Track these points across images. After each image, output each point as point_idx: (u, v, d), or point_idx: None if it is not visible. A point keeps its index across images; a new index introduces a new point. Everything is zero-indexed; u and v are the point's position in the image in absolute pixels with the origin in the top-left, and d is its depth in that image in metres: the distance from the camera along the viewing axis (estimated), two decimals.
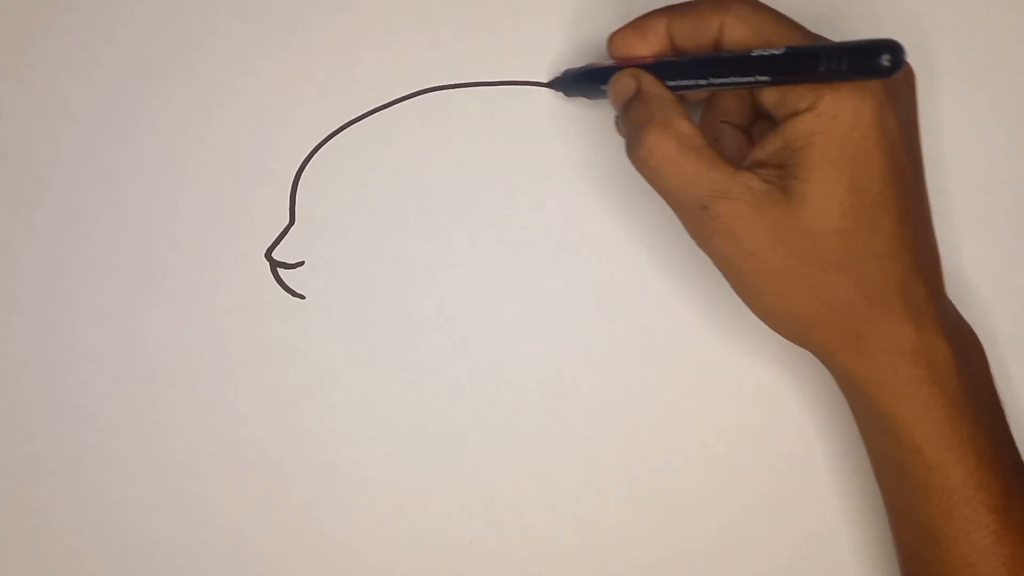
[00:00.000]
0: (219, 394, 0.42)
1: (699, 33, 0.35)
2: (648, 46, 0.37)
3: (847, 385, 0.37)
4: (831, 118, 0.33)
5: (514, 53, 0.42)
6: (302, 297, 0.42)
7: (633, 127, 0.35)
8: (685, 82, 0.36)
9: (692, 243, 0.42)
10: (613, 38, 0.37)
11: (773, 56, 0.33)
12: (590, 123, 0.42)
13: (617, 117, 0.39)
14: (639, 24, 0.37)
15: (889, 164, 0.33)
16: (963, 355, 0.36)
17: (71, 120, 0.42)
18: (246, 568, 0.42)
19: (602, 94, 0.38)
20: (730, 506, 0.42)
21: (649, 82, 0.36)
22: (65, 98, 0.42)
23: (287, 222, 0.42)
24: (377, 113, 0.42)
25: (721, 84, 0.35)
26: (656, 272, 0.42)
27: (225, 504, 0.42)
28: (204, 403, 0.42)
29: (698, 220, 0.35)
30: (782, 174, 0.34)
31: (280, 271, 0.42)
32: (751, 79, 0.34)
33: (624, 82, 0.36)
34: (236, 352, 0.42)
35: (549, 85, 0.41)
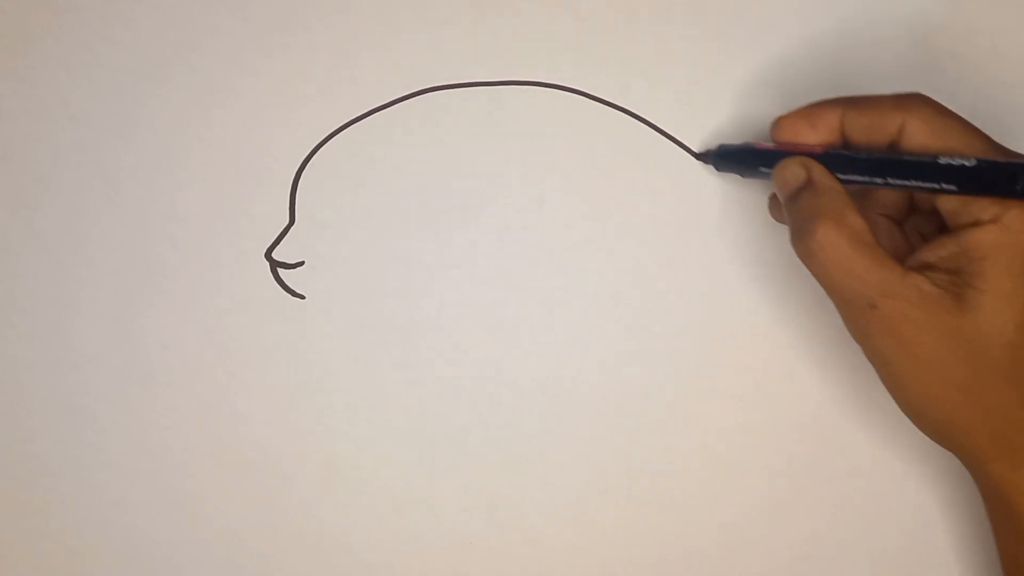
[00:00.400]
0: (219, 394, 0.42)
1: (876, 130, 0.35)
2: (817, 135, 0.36)
3: (992, 493, 0.36)
4: (1017, 232, 0.33)
5: (514, 53, 0.42)
6: (302, 297, 0.42)
7: (802, 218, 0.35)
8: (859, 178, 0.35)
9: (692, 243, 0.42)
10: (780, 123, 0.37)
11: (964, 167, 0.33)
12: (600, 127, 0.42)
13: (773, 197, 0.39)
14: (811, 113, 0.36)
15: None
16: None
17: (71, 120, 0.42)
18: (246, 568, 0.42)
19: (759, 174, 0.38)
20: (730, 506, 0.42)
21: (820, 173, 0.36)
22: (65, 98, 0.42)
23: (287, 222, 0.42)
24: (377, 113, 0.42)
25: (899, 186, 0.34)
26: (656, 272, 0.42)
27: (225, 504, 0.42)
28: (204, 403, 0.42)
29: (863, 317, 0.34)
30: (955, 280, 0.33)
31: (280, 271, 0.42)
32: (935, 185, 0.34)
33: (794, 171, 0.36)
34: (236, 352, 0.42)
35: (699, 157, 0.41)
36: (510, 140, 0.42)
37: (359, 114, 0.42)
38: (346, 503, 0.42)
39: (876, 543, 0.42)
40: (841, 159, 0.36)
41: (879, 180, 0.35)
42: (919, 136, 0.34)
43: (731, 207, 0.42)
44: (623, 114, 0.42)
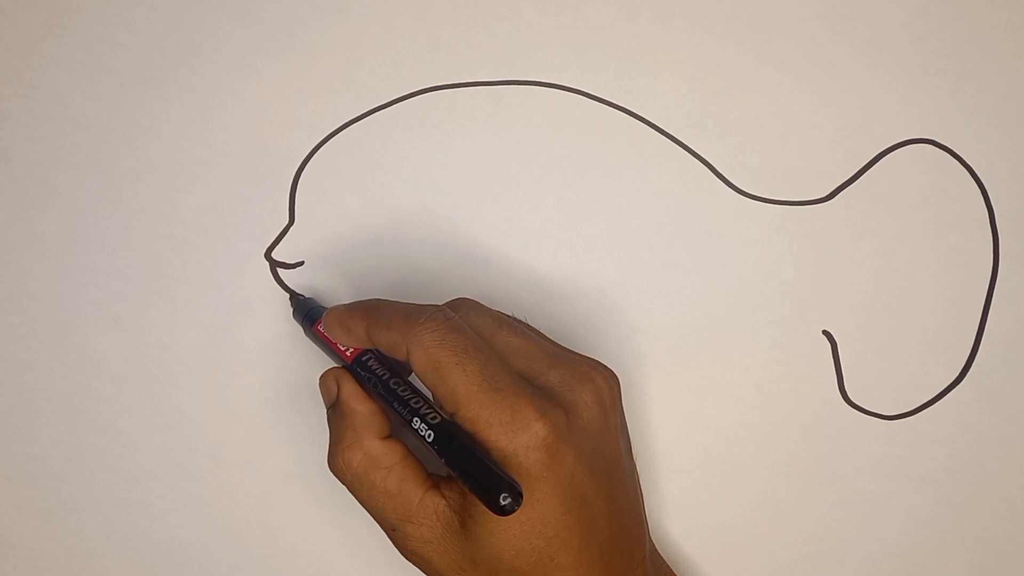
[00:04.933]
0: (219, 394, 0.42)
1: (392, 350, 0.35)
2: (351, 341, 0.36)
3: None
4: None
5: (514, 53, 0.42)
6: (302, 297, 0.42)
7: (332, 438, 0.36)
8: (389, 407, 0.35)
9: (692, 243, 0.42)
10: (325, 319, 0.37)
11: (430, 425, 0.33)
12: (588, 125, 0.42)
13: None
14: (343, 317, 0.36)
15: (564, 504, 0.33)
16: None
17: (72, 122, 0.42)
18: (247, 568, 0.42)
19: (318, 343, 0.38)
20: (730, 506, 0.42)
21: (348, 392, 0.36)
22: (66, 100, 0.42)
23: (287, 222, 0.42)
24: (377, 113, 0.42)
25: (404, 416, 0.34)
26: (656, 272, 0.42)
27: (225, 504, 0.42)
28: (204, 403, 0.42)
29: (389, 535, 0.36)
30: (463, 503, 0.34)
31: (280, 271, 0.42)
32: (422, 432, 0.33)
33: (327, 384, 0.36)
34: (236, 352, 0.42)
35: (291, 295, 0.41)
36: (510, 140, 0.42)
37: (359, 114, 0.42)
38: (346, 503, 0.42)
39: (876, 544, 0.42)
40: (367, 370, 0.36)
41: (392, 403, 0.35)
42: (419, 365, 0.34)
43: (731, 207, 0.42)
44: (623, 114, 0.42)
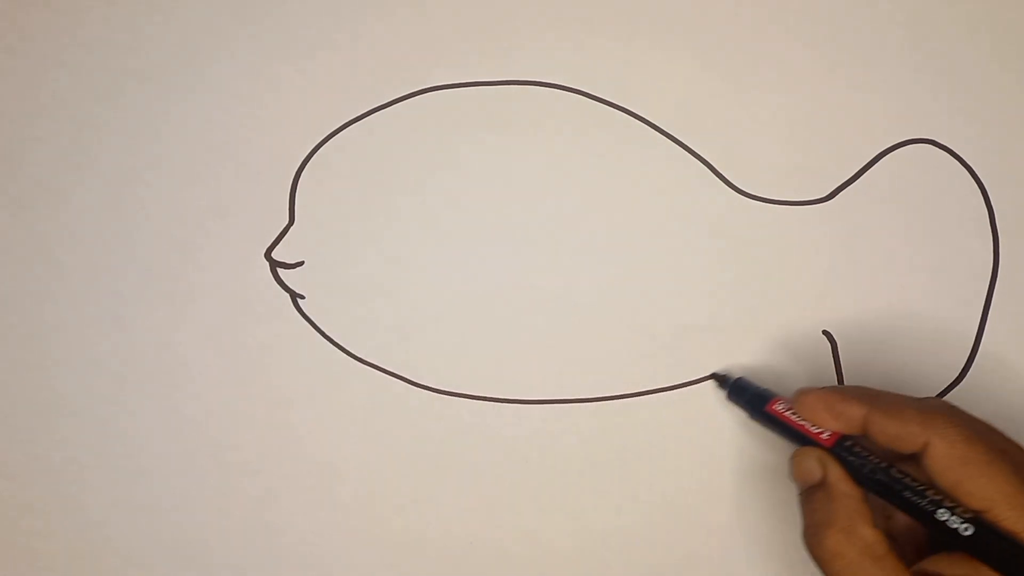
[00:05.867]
0: (219, 394, 0.42)
1: (899, 440, 0.34)
2: (837, 425, 0.36)
3: None
4: None
5: (514, 53, 0.42)
6: (302, 297, 0.42)
7: (813, 519, 0.35)
8: (878, 495, 0.35)
9: (692, 243, 0.42)
10: (803, 401, 0.36)
11: (958, 533, 0.33)
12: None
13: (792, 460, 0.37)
14: (835, 403, 0.36)
15: None
16: None
17: (72, 122, 0.42)
18: (246, 569, 0.42)
19: (767, 422, 0.38)
20: (730, 506, 0.42)
21: (836, 476, 0.35)
22: (67, 100, 0.42)
23: (287, 222, 0.42)
24: (377, 113, 0.42)
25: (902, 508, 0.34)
26: (657, 272, 0.42)
27: (225, 504, 0.42)
28: (204, 403, 0.42)
29: None
30: None
31: (280, 271, 0.42)
32: (953, 525, 0.33)
33: (810, 465, 0.36)
34: (236, 352, 0.42)
35: (716, 379, 0.41)
36: (510, 140, 0.42)
37: (359, 114, 0.42)
38: (346, 503, 0.42)
39: None
40: (855, 460, 0.35)
41: (883, 498, 0.34)
42: (941, 460, 0.33)
43: (732, 207, 0.42)
44: (623, 114, 0.42)
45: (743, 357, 0.42)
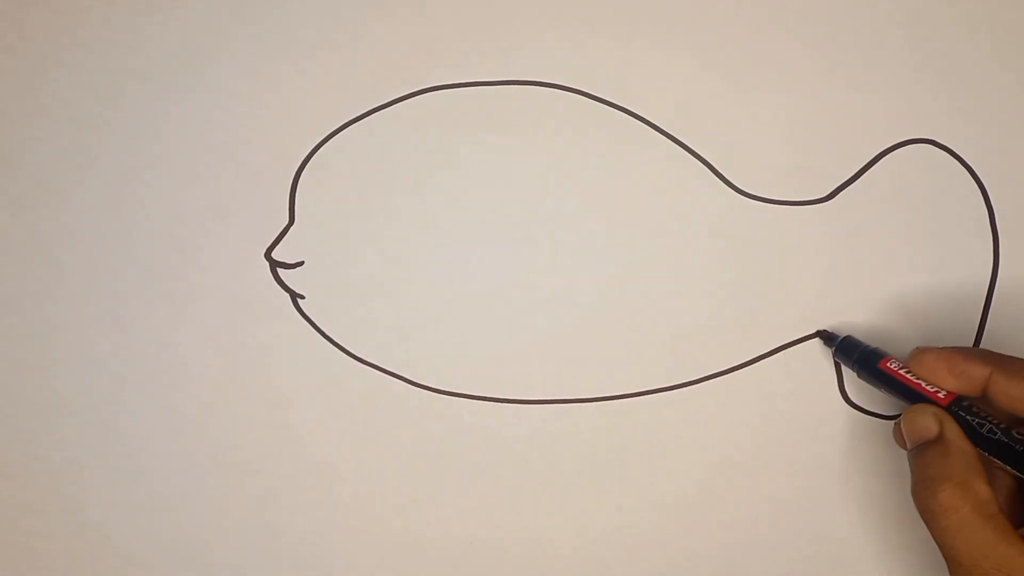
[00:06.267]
0: (219, 394, 0.42)
1: (1021, 404, 0.34)
2: (955, 384, 0.36)
3: None
4: None
5: (514, 53, 0.42)
6: (302, 297, 0.42)
7: (927, 474, 0.35)
8: (994, 456, 0.35)
9: (692, 243, 0.42)
10: (922, 359, 0.36)
11: None
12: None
13: (898, 426, 0.38)
14: (957, 361, 0.36)
15: None
16: None
17: (72, 122, 0.42)
18: (246, 569, 0.42)
19: (877, 385, 0.38)
20: (731, 507, 0.42)
21: (954, 433, 0.35)
22: (67, 100, 0.42)
23: (287, 222, 0.42)
24: (377, 113, 0.42)
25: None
26: (657, 272, 0.42)
27: (225, 504, 0.42)
28: (204, 403, 0.42)
29: None
30: None
31: (280, 271, 0.42)
32: None
33: (926, 422, 0.35)
34: (236, 352, 0.42)
35: (821, 335, 0.41)
36: (510, 140, 0.42)
37: (359, 114, 0.42)
38: (346, 503, 0.42)
39: (879, 544, 0.42)
40: (974, 419, 0.35)
41: (999, 459, 0.34)
42: None
43: (732, 207, 0.42)
44: (623, 114, 0.42)
45: (743, 357, 0.42)
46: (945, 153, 0.42)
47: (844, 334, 0.40)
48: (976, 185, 0.42)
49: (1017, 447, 0.34)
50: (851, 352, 0.39)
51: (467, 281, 0.42)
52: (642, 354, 0.42)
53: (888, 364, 0.38)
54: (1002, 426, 0.35)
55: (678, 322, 0.42)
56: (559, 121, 0.42)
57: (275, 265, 0.42)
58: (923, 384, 0.37)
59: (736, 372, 0.42)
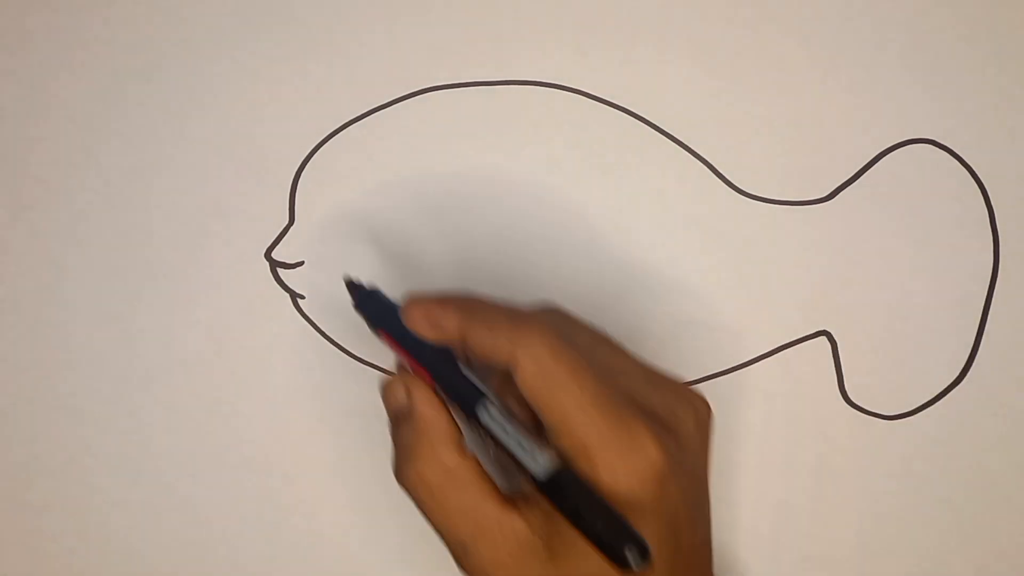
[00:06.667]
0: (219, 394, 0.42)
1: (491, 354, 0.32)
2: (436, 335, 0.33)
3: None
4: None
5: (514, 53, 0.42)
6: (302, 297, 0.42)
7: (399, 446, 0.33)
8: (458, 404, 0.32)
9: (692, 243, 0.42)
10: (408, 311, 0.33)
11: (535, 476, 0.30)
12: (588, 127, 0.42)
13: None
14: (430, 309, 0.33)
15: (663, 540, 0.31)
16: None
17: (71, 121, 0.42)
18: (246, 569, 0.42)
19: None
20: (730, 506, 0.42)
21: (421, 398, 0.33)
22: (65, 99, 0.42)
23: (287, 222, 0.42)
24: (377, 113, 0.42)
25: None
26: (656, 272, 0.42)
27: (225, 505, 0.42)
28: (204, 403, 0.42)
29: (457, 558, 0.33)
30: (548, 528, 0.31)
31: (280, 271, 0.42)
32: (522, 461, 0.31)
33: (396, 393, 0.34)
34: (236, 352, 0.42)
35: (347, 282, 0.36)
36: (510, 140, 0.42)
37: (359, 114, 0.42)
38: (347, 503, 0.42)
39: (879, 544, 0.42)
40: (448, 373, 0.33)
41: (472, 417, 0.32)
42: (525, 378, 0.31)
43: (731, 207, 0.42)
44: (623, 114, 0.42)
45: (743, 357, 0.42)
46: (945, 153, 0.42)
47: (373, 286, 0.36)
48: (976, 185, 0.42)
49: (480, 418, 0.31)
50: (368, 303, 0.35)
51: (467, 281, 0.42)
52: (642, 354, 0.42)
53: (384, 331, 0.34)
54: (472, 390, 0.32)
55: (678, 322, 0.42)
56: (559, 121, 0.42)
57: (275, 265, 0.42)
58: (410, 350, 0.33)
59: (736, 372, 0.42)
